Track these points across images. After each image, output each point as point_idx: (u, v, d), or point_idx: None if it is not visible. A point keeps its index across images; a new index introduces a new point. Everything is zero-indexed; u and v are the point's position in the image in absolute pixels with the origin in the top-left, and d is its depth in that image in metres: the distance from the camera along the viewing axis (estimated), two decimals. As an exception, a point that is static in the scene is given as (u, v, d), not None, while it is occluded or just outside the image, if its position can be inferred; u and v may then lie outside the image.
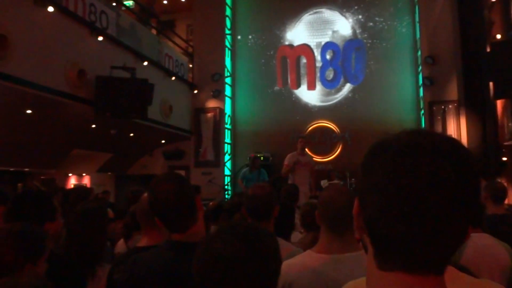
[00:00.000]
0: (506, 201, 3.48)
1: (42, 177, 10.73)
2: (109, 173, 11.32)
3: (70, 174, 11.25)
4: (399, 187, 0.60)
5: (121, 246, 2.89)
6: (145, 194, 1.95)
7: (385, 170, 0.62)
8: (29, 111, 6.26)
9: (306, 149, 7.03)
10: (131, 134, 8.83)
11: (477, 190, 0.62)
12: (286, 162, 6.52)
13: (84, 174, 11.38)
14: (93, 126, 7.60)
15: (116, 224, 3.54)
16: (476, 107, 8.31)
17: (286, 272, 1.65)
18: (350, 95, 10.13)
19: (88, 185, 10.67)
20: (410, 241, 0.60)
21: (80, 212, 1.95)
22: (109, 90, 6.34)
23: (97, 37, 6.48)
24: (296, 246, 2.26)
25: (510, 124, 7.34)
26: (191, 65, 10.65)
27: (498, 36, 7.92)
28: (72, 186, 10.76)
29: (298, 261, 1.70)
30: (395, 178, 0.61)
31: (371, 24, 10.13)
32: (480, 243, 2.13)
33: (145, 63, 7.80)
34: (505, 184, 5.52)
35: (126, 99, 6.42)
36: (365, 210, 0.65)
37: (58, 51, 5.73)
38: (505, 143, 7.73)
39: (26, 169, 9.76)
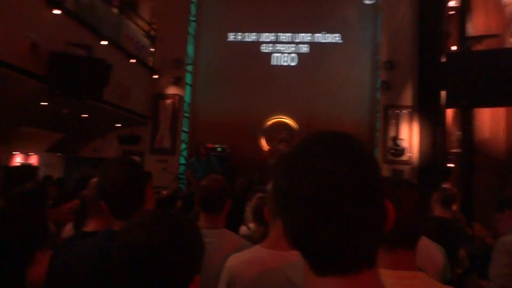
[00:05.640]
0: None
1: (-16, 154, 10.12)
2: (59, 153, 10.85)
3: (16, 152, 10.68)
4: (295, 194, 0.60)
5: (68, 230, 2.77)
6: (95, 179, 1.89)
7: (283, 181, 0.63)
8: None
9: None
10: (85, 115, 8.49)
11: (376, 188, 0.62)
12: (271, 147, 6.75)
13: (31, 153, 10.84)
14: (44, 103, 7.23)
15: (62, 207, 3.39)
16: (429, 114, 8.66)
17: (232, 266, 1.64)
18: (310, 91, 10.22)
19: (36, 165, 10.18)
20: (325, 246, 0.60)
21: (18, 193, 1.83)
22: (63, 68, 6.03)
23: (54, 10, 6.15)
24: (246, 240, 2.25)
25: (457, 132, 7.71)
26: (153, 49, 10.37)
27: (454, 48, 8.26)
28: (17, 164, 10.22)
29: (245, 256, 1.69)
30: (291, 186, 0.61)
31: (335, 25, 10.27)
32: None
33: (104, 43, 7.49)
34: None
35: (81, 78, 6.15)
36: (285, 226, 0.65)
37: (10, 21, 5.37)
38: (452, 150, 8.13)
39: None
